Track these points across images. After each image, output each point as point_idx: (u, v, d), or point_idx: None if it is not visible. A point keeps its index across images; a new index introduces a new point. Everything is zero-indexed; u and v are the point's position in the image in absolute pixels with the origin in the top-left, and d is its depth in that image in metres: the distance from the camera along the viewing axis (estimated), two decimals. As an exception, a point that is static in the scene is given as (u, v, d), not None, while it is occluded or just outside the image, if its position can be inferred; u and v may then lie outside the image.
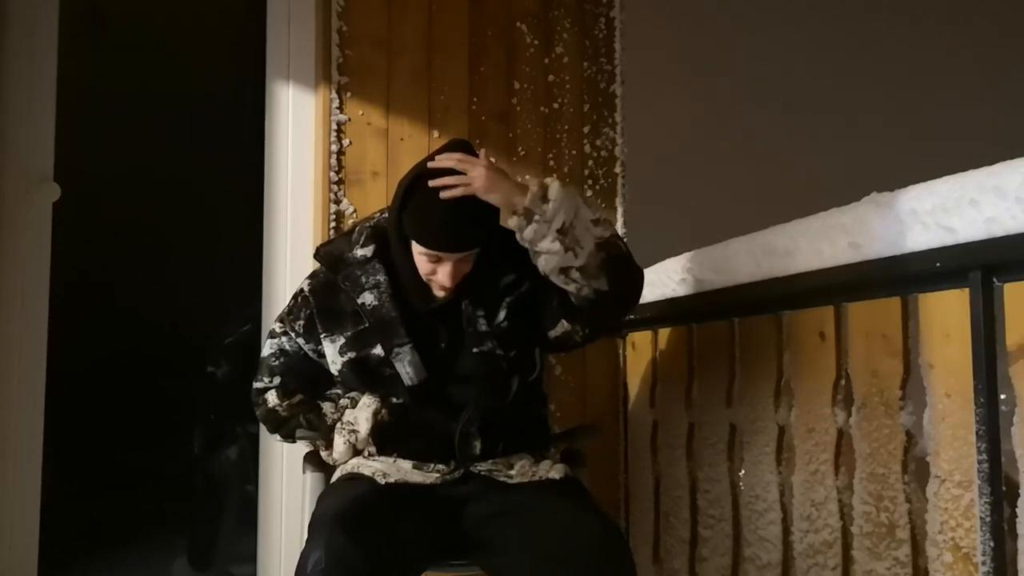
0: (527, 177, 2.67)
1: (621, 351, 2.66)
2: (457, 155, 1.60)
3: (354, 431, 1.75)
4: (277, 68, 2.66)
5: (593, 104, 2.80)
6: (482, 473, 1.71)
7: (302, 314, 1.82)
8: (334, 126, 2.59)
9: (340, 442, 1.76)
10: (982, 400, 1.32)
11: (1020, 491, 1.27)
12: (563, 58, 2.79)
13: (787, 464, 1.84)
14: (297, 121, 2.64)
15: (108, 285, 2.83)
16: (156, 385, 2.87)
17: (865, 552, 1.58)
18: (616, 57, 2.83)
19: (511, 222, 1.58)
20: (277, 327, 1.86)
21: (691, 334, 2.21)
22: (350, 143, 2.60)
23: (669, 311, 2.23)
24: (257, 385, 1.86)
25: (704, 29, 3.74)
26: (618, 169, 2.80)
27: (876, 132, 3.79)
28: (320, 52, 2.62)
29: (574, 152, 2.77)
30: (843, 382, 1.68)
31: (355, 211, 2.57)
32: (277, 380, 1.84)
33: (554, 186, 1.57)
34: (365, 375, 1.74)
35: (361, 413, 1.75)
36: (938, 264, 1.39)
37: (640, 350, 2.52)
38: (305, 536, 1.52)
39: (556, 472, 1.74)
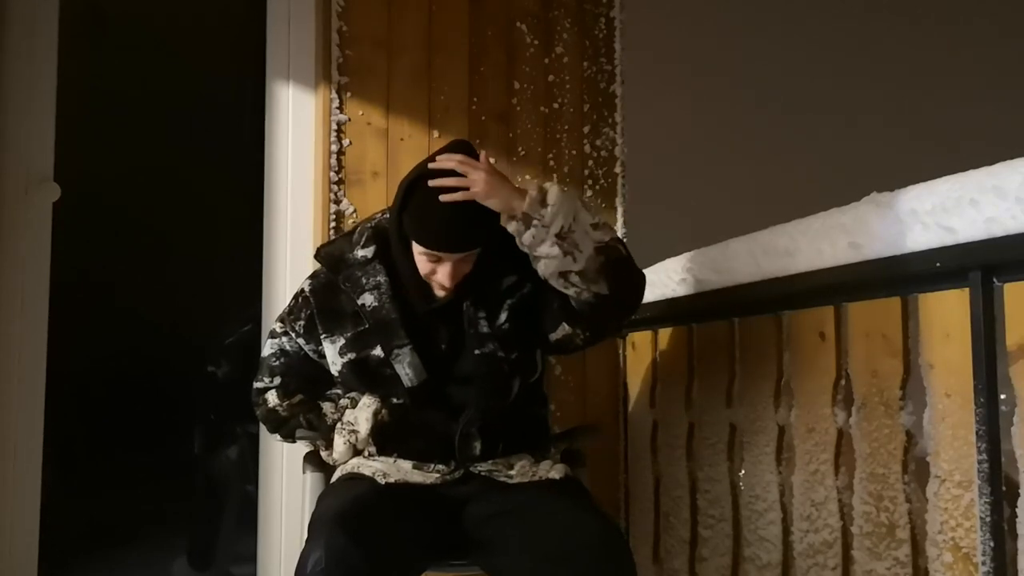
0: (527, 177, 2.69)
1: (621, 351, 2.66)
2: (458, 157, 1.60)
3: (354, 431, 1.75)
4: (277, 68, 2.66)
5: (593, 104, 2.80)
6: (482, 473, 1.71)
7: (303, 314, 1.82)
8: (334, 126, 2.59)
9: (340, 442, 1.76)
10: (982, 400, 1.32)
11: (1020, 491, 1.27)
12: (563, 58, 2.79)
13: (787, 464, 1.84)
14: (297, 121, 2.64)
15: (108, 285, 2.83)
16: (156, 385, 2.87)
17: (865, 552, 1.58)
18: (616, 57, 2.83)
19: (510, 227, 1.58)
20: (278, 327, 1.86)
21: (691, 334, 2.21)
22: (350, 143, 2.60)
23: (669, 311, 2.23)
24: (257, 385, 1.86)
25: (704, 29, 3.75)
26: (618, 169, 2.80)
27: (876, 132, 3.79)
28: (320, 52, 2.62)
29: (574, 152, 2.77)
30: (843, 382, 1.68)
31: (355, 211, 2.57)
32: (277, 380, 1.84)
33: (553, 190, 1.57)
34: (365, 376, 1.74)
35: (361, 413, 1.75)
36: (938, 264, 1.39)
37: (640, 350, 2.52)
38: (305, 536, 1.52)
39: (556, 472, 1.74)
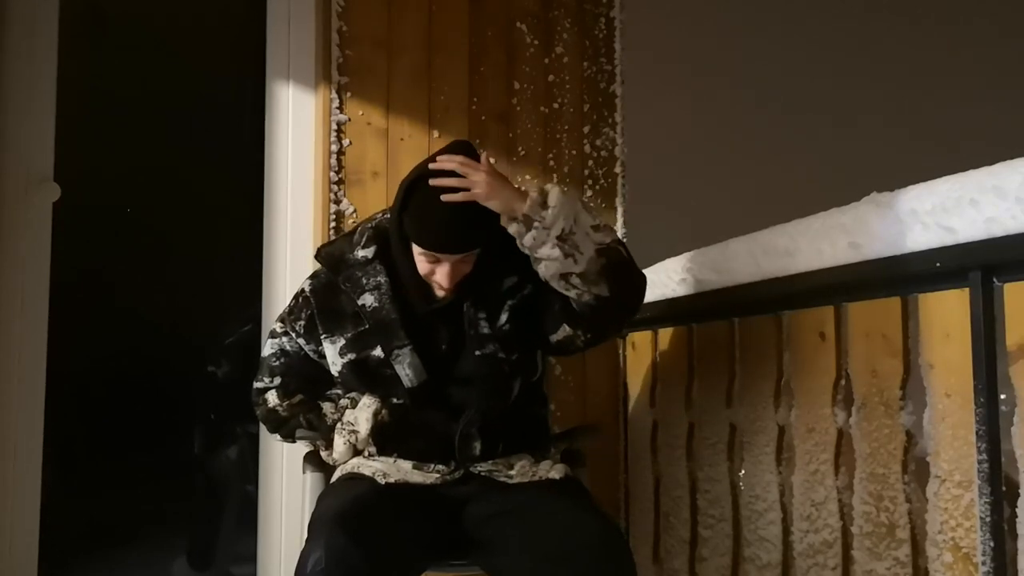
0: (527, 177, 2.69)
1: (621, 351, 2.66)
2: (459, 158, 1.60)
3: (354, 431, 1.75)
4: (277, 68, 2.66)
5: (593, 104, 2.80)
6: (482, 473, 1.71)
7: (303, 314, 1.82)
8: (334, 126, 2.59)
9: (340, 442, 1.76)
10: (982, 400, 1.32)
11: (1020, 491, 1.27)
12: (563, 58, 2.79)
13: (787, 464, 1.84)
14: (297, 121, 2.64)
15: (108, 285, 2.83)
16: (156, 385, 2.87)
17: (865, 552, 1.58)
18: (616, 57, 2.83)
19: (511, 229, 1.58)
20: (278, 327, 1.86)
21: (691, 334, 2.21)
22: (350, 143, 2.60)
23: (669, 311, 2.23)
24: (257, 385, 1.86)
25: (704, 29, 3.75)
26: (618, 169, 2.80)
27: (876, 132, 3.79)
28: (320, 52, 2.62)
29: (574, 152, 2.77)
30: (843, 382, 1.68)
31: (355, 211, 2.57)
32: (278, 380, 1.84)
33: (553, 192, 1.57)
34: (365, 376, 1.74)
35: (361, 413, 1.75)
36: (938, 264, 1.39)
37: (640, 350, 2.52)
38: (305, 536, 1.52)
39: (556, 472, 1.74)
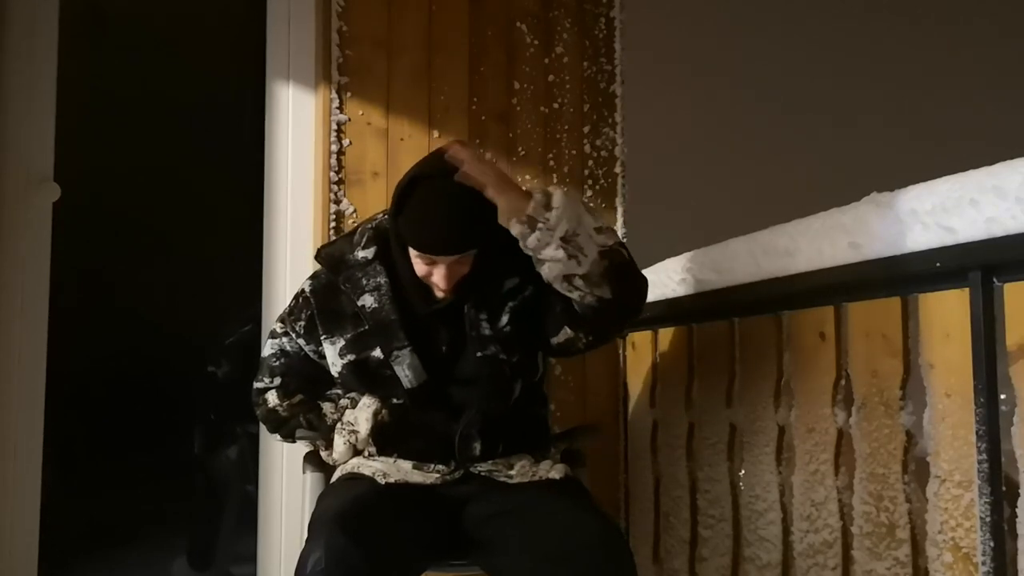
0: (527, 177, 2.69)
1: (621, 351, 2.66)
2: (471, 151, 1.60)
3: (354, 431, 1.75)
4: (277, 68, 2.66)
5: (593, 104, 2.80)
6: (482, 473, 1.71)
7: (303, 315, 1.82)
8: (334, 126, 2.59)
9: (340, 442, 1.76)
10: (982, 400, 1.32)
11: (1020, 491, 1.27)
12: (563, 58, 2.79)
13: (787, 464, 1.84)
14: (297, 121, 2.64)
15: (108, 285, 2.83)
16: (156, 385, 2.87)
17: (865, 552, 1.58)
18: (616, 57, 2.83)
19: (514, 230, 1.58)
20: (278, 327, 1.86)
21: (691, 334, 2.21)
22: (350, 143, 2.61)
23: (669, 311, 2.23)
24: (257, 385, 1.86)
25: (704, 29, 3.75)
26: (618, 169, 2.80)
27: (876, 132, 3.79)
28: (320, 52, 2.62)
29: (574, 152, 2.77)
30: (843, 382, 1.68)
31: (355, 211, 2.57)
32: (278, 380, 1.84)
33: (557, 194, 1.57)
34: (365, 377, 1.74)
35: (361, 413, 1.75)
36: (938, 264, 1.39)
37: (640, 350, 2.52)
38: (305, 536, 1.52)
39: (556, 472, 1.74)
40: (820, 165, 3.63)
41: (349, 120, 2.61)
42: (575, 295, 1.62)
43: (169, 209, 2.85)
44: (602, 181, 2.78)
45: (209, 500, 2.94)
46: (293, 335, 1.83)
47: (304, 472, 1.89)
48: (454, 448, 1.70)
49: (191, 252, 2.86)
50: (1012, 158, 1.27)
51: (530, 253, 1.59)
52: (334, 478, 1.79)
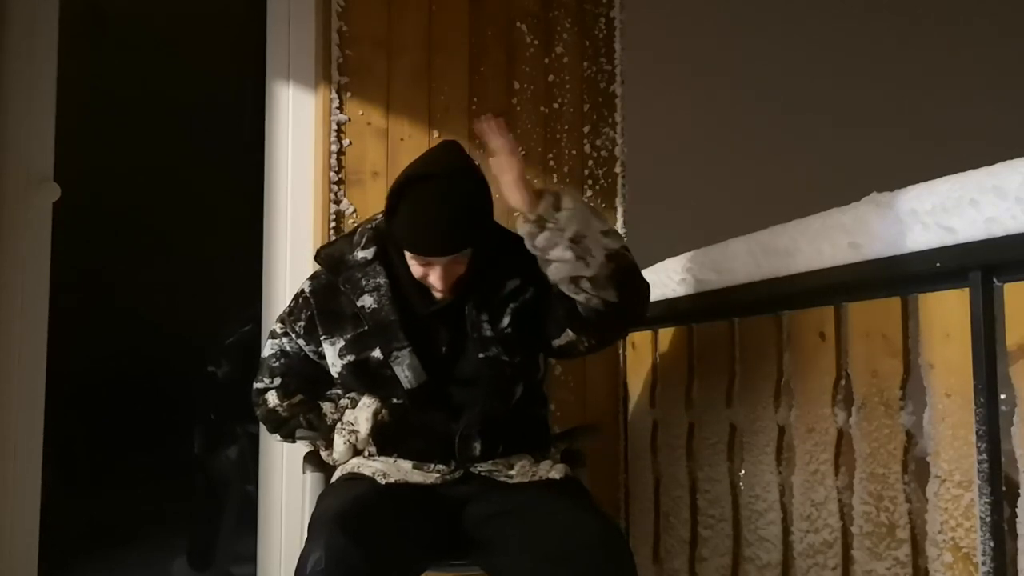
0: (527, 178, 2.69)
1: (621, 351, 2.66)
2: (509, 140, 1.62)
3: (354, 431, 1.75)
4: (277, 68, 2.66)
5: (593, 104, 2.80)
6: (482, 473, 1.71)
7: (303, 315, 1.82)
8: (334, 126, 2.59)
9: (340, 442, 1.76)
10: (982, 400, 1.32)
11: (1020, 491, 1.27)
12: (563, 58, 2.79)
13: (787, 464, 1.84)
14: (297, 121, 2.64)
15: (108, 285, 2.83)
16: (156, 385, 2.87)
17: (865, 552, 1.58)
18: (616, 57, 2.83)
19: (523, 228, 1.58)
20: (278, 328, 1.86)
21: (691, 334, 2.21)
22: (350, 143, 2.60)
23: (669, 311, 2.23)
24: (257, 386, 1.86)
25: (704, 29, 3.75)
26: (618, 169, 2.80)
27: (876, 132, 3.79)
28: (320, 52, 2.62)
29: (574, 152, 2.77)
30: (843, 382, 1.68)
31: (355, 211, 2.57)
32: (278, 381, 1.84)
33: (567, 196, 1.58)
34: (365, 377, 1.74)
35: (361, 413, 1.75)
36: (938, 264, 1.39)
37: (640, 350, 2.52)
38: (305, 536, 1.52)
39: (556, 472, 1.74)
40: (820, 165, 3.63)
41: (349, 120, 2.61)
42: (581, 297, 1.62)
43: (169, 209, 2.86)
44: (602, 181, 2.78)
45: (209, 500, 2.94)
46: (293, 335, 1.83)
47: (304, 472, 1.89)
48: (454, 448, 1.70)
49: (191, 252, 2.87)
50: (1012, 158, 1.27)
51: (537, 253, 1.59)
52: (334, 478, 1.79)
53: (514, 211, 1.63)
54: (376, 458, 1.74)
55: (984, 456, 1.32)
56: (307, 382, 1.84)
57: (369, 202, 2.56)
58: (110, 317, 2.81)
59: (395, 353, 1.70)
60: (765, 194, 3.17)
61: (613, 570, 1.51)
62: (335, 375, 1.79)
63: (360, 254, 1.77)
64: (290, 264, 2.59)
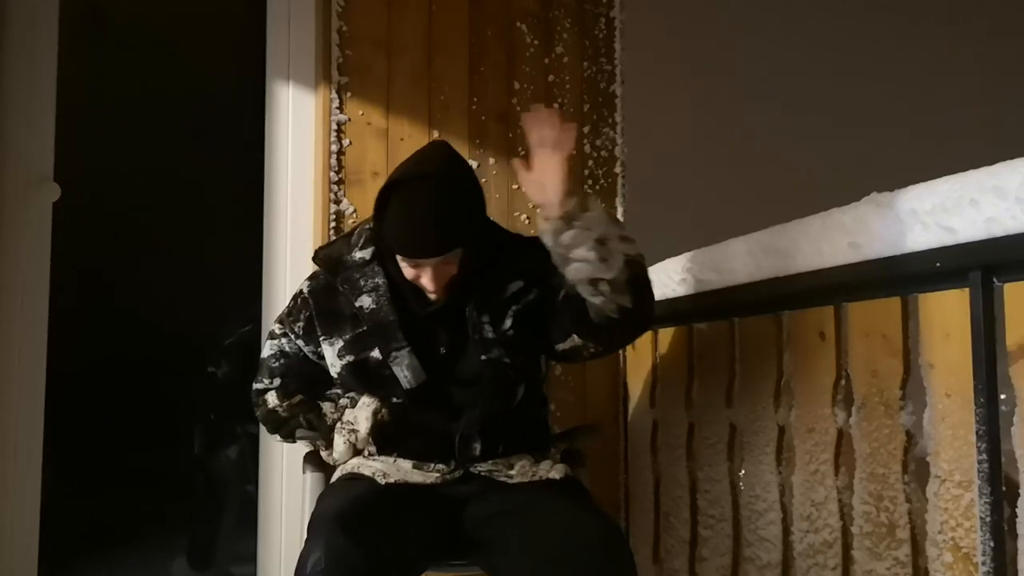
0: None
1: (621, 351, 2.66)
2: (566, 128, 1.63)
3: (354, 430, 1.75)
4: (277, 68, 2.66)
5: (593, 104, 2.80)
6: (482, 473, 1.71)
7: (301, 316, 1.82)
8: (334, 126, 2.59)
9: (340, 441, 1.76)
10: (982, 400, 1.32)
11: (1020, 491, 1.27)
12: (563, 58, 2.79)
13: (787, 464, 1.84)
14: (297, 121, 2.64)
15: (108, 285, 2.83)
16: (156, 385, 2.87)
17: (865, 552, 1.58)
18: (616, 57, 2.83)
19: (546, 225, 1.58)
20: (277, 328, 1.86)
21: (691, 334, 2.21)
22: (350, 143, 2.60)
23: (669, 311, 2.22)
24: (257, 386, 1.86)
25: (704, 29, 3.74)
26: (618, 169, 2.80)
27: (876, 132, 3.79)
28: (320, 52, 2.62)
29: (574, 152, 2.74)
30: (843, 382, 1.68)
31: (355, 211, 2.57)
32: (277, 381, 1.84)
33: (594, 199, 1.60)
34: (364, 377, 1.74)
35: (361, 412, 1.75)
36: (938, 264, 1.39)
37: (640, 350, 2.52)
38: (305, 536, 1.52)
39: (556, 472, 1.74)
40: (820, 165, 3.63)
41: (349, 120, 2.61)
42: (597, 300, 1.61)
43: (169, 209, 2.86)
44: (602, 181, 2.78)
45: (209, 500, 2.94)
46: (292, 336, 1.83)
47: (304, 472, 1.89)
48: (454, 447, 1.70)
49: (191, 252, 2.87)
50: (1012, 158, 1.27)
51: (560, 251, 1.59)
52: (334, 478, 1.79)
53: (533, 208, 1.64)
54: (376, 458, 1.74)
55: (984, 456, 1.32)
56: (307, 382, 1.84)
57: (369, 202, 2.50)
58: (110, 317, 2.81)
59: (394, 353, 1.70)
60: (765, 194, 3.17)
61: (613, 570, 1.51)
62: (334, 375, 1.79)
63: (358, 254, 1.77)
64: (290, 264, 2.59)
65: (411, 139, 2.63)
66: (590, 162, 2.78)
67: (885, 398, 1.54)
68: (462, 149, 2.63)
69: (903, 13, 3.94)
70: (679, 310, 2.21)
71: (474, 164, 2.67)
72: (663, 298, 2.20)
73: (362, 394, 1.77)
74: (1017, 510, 1.28)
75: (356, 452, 1.77)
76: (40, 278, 2.45)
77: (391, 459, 1.73)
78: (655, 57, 3.29)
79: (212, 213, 2.89)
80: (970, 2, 3.98)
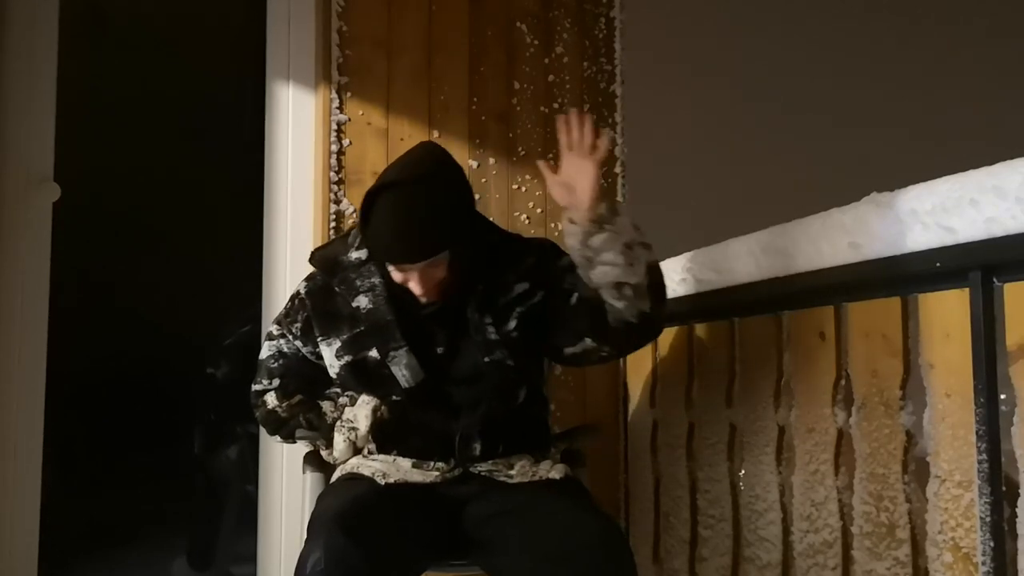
0: (527, 177, 2.68)
1: (621, 351, 2.66)
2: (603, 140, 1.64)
3: (354, 428, 1.75)
4: (277, 68, 2.66)
5: (593, 104, 2.80)
6: (482, 473, 1.71)
7: (299, 317, 1.82)
8: (334, 126, 2.59)
9: (340, 440, 1.76)
10: (982, 400, 1.32)
11: (1020, 491, 1.27)
12: (563, 58, 2.79)
13: (787, 464, 1.84)
14: (297, 121, 2.64)
15: (108, 285, 2.83)
16: (156, 385, 2.87)
17: (865, 552, 1.58)
18: (616, 57, 2.83)
19: (576, 228, 1.59)
20: (274, 329, 1.86)
21: (691, 334, 2.21)
22: (350, 143, 2.60)
23: (669, 311, 2.22)
24: (256, 387, 1.86)
25: (704, 29, 3.74)
26: (618, 169, 2.80)
27: (876, 132, 3.79)
28: (320, 52, 2.62)
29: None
30: (843, 382, 1.68)
31: (355, 211, 2.57)
32: (276, 382, 1.84)
33: (622, 204, 1.61)
34: (363, 377, 1.74)
35: (360, 410, 1.75)
36: (938, 264, 1.39)
37: (640, 350, 2.51)
38: (305, 536, 1.52)
39: (556, 472, 1.74)
40: (820, 165, 3.63)
41: (349, 120, 2.61)
42: (620, 304, 1.62)
43: (169, 209, 2.86)
44: (602, 181, 2.76)
45: (209, 500, 2.94)
46: (290, 337, 1.83)
47: (304, 472, 1.89)
48: (454, 446, 1.70)
49: (191, 252, 2.87)
50: (1012, 158, 1.27)
51: (587, 255, 1.59)
52: (334, 478, 1.79)
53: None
54: (375, 458, 1.74)
55: (984, 456, 1.32)
56: (306, 382, 1.84)
57: (369, 202, 2.55)
58: (110, 317, 2.81)
59: (392, 353, 1.70)
60: (765, 194, 3.16)
61: (613, 570, 1.51)
62: (333, 375, 1.79)
63: (354, 255, 1.76)
64: (290, 264, 2.59)
65: (411, 139, 2.63)
66: (590, 162, 2.77)
67: (885, 398, 1.54)
68: (462, 149, 2.64)
69: (903, 13, 3.94)
70: (679, 310, 2.20)
71: (474, 164, 2.67)
72: (663, 298, 2.20)
73: (361, 393, 1.77)
74: (1017, 510, 1.28)
75: (356, 450, 1.77)
76: (40, 278, 2.45)
77: (391, 458, 1.73)
78: (655, 57, 3.29)
79: (212, 213, 2.89)
80: (970, 2, 3.98)
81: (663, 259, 2.21)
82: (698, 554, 2.16)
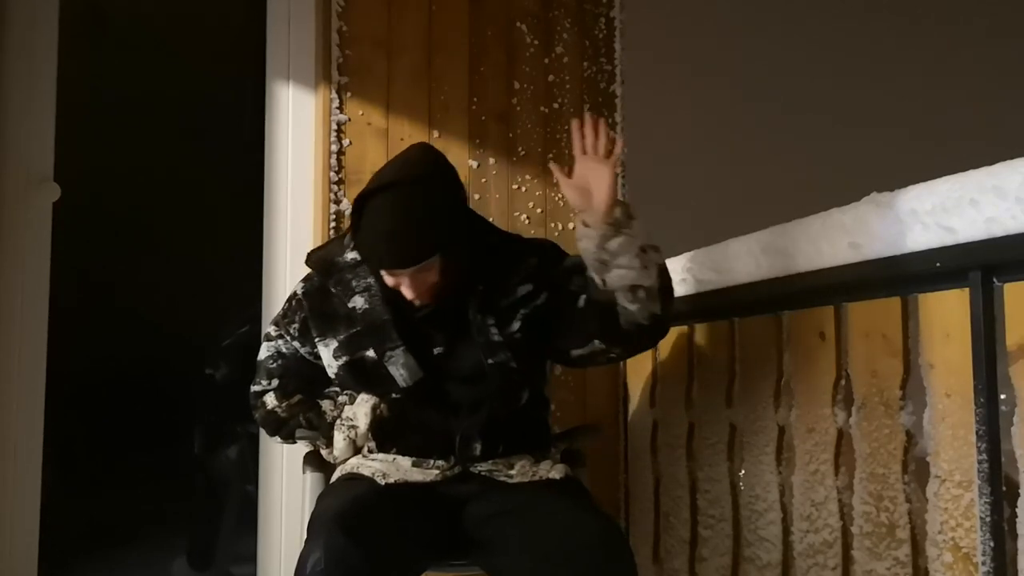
0: (527, 177, 2.68)
1: (621, 351, 2.66)
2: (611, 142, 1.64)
3: (353, 427, 1.75)
4: (277, 68, 2.66)
5: (593, 104, 2.80)
6: (482, 473, 1.71)
7: (296, 317, 1.82)
8: (334, 126, 2.59)
9: (340, 438, 1.76)
10: (982, 400, 1.32)
11: (1020, 491, 1.27)
12: (563, 58, 2.79)
13: (787, 464, 1.84)
14: (297, 121, 2.64)
15: (108, 285, 2.83)
16: (156, 385, 2.87)
17: (865, 552, 1.58)
18: (616, 57, 2.83)
19: (591, 231, 1.59)
20: (272, 330, 1.86)
21: (691, 334, 2.21)
22: (350, 143, 2.61)
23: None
24: (255, 388, 1.86)
25: (704, 29, 3.74)
26: (618, 169, 2.80)
27: (876, 132, 3.79)
28: (320, 52, 2.62)
29: (575, 153, 2.76)
30: (843, 382, 1.68)
31: (355, 211, 2.56)
32: (275, 382, 1.84)
33: (635, 208, 1.62)
34: (361, 376, 1.74)
35: (360, 409, 1.75)
36: (938, 264, 1.39)
37: (640, 350, 2.52)
38: (305, 536, 1.52)
39: (556, 472, 1.74)
40: (820, 165, 3.63)
41: (349, 120, 2.61)
42: (634, 307, 1.62)
43: (169, 209, 2.86)
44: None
45: (209, 500, 2.94)
46: (288, 337, 1.83)
47: (304, 472, 1.89)
48: (453, 444, 1.70)
49: (191, 252, 2.87)
50: (1012, 158, 1.27)
51: (603, 257, 1.59)
52: (334, 478, 1.79)
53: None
54: (376, 457, 1.74)
55: (984, 456, 1.32)
56: (305, 382, 1.84)
57: (369, 202, 2.55)
58: (110, 317, 2.81)
59: (388, 353, 1.70)
60: (765, 194, 3.17)
61: (613, 570, 1.51)
62: (332, 375, 1.79)
63: (350, 255, 1.76)
64: (290, 264, 2.59)
65: (411, 139, 2.63)
66: (590, 162, 2.77)
67: (885, 398, 1.54)
68: (462, 149, 2.64)
69: (903, 13, 3.94)
70: (679, 310, 2.20)
71: (474, 164, 2.67)
72: (663, 298, 2.20)
73: (360, 392, 1.77)
74: (1017, 510, 1.28)
75: (356, 449, 1.77)
76: (40, 278, 2.45)
77: (390, 457, 1.73)
78: (655, 57, 3.29)
79: (212, 213, 2.89)
80: (970, 2, 3.98)
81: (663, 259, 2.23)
82: (698, 554, 2.16)
